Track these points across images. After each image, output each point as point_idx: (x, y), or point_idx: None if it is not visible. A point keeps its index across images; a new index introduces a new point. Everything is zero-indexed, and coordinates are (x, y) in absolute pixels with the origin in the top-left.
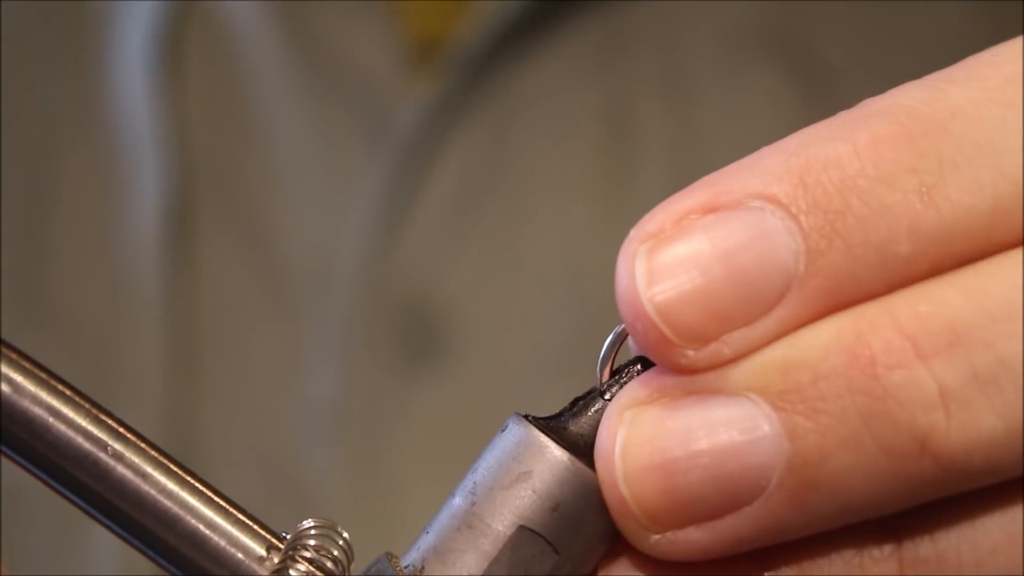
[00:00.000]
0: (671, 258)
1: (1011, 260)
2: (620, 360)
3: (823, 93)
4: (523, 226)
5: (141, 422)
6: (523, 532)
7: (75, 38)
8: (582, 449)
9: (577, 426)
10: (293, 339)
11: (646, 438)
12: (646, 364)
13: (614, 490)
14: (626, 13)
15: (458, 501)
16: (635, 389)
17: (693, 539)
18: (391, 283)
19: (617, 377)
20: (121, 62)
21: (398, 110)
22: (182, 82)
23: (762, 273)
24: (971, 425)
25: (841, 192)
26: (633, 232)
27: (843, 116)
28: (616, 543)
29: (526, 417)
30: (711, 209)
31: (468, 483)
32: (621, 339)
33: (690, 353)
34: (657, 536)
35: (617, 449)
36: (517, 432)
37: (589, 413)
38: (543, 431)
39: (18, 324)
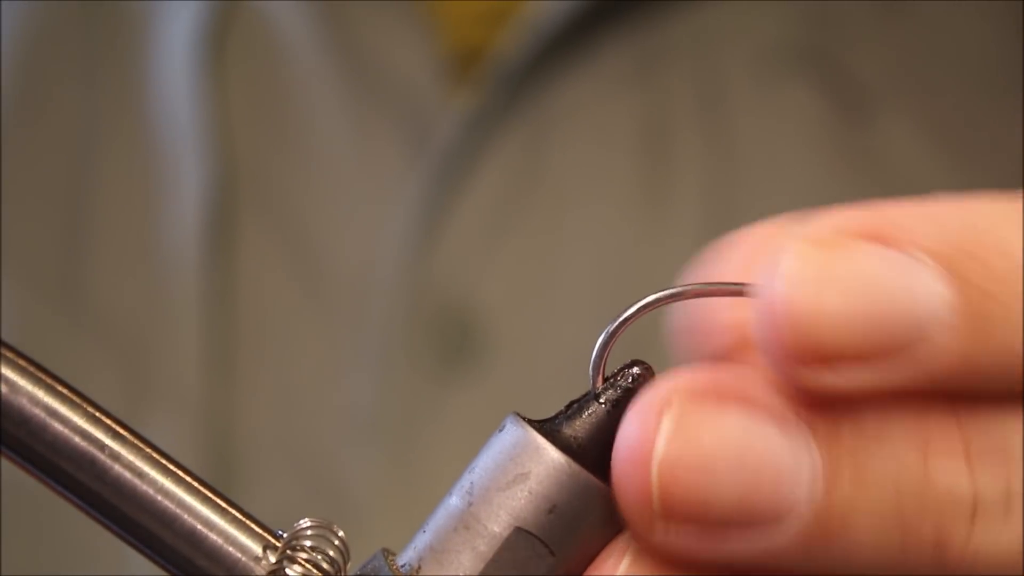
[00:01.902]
0: (818, 268)
1: None
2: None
3: (857, 110)
4: (559, 236)
5: (177, 421)
6: (519, 534)
7: (118, 37)
8: (575, 451)
9: (571, 429)
10: (331, 342)
11: (694, 433)
12: (642, 366)
13: (642, 470)
14: (664, 29)
15: (455, 501)
16: (691, 378)
17: (690, 541)
18: (429, 289)
19: (612, 380)
20: (164, 62)
21: (438, 119)
22: (225, 84)
23: (898, 320)
24: (987, 539)
25: (1005, 280)
26: (792, 230)
27: None
28: (610, 545)
29: (523, 419)
30: (877, 238)
31: (465, 483)
32: (612, 342)
33: (798, 367)
34: (661, 526)
35: (662, 432)
36: (514, 433)
37: (583, 416)
38: (540, 433)
39: (57, 322)
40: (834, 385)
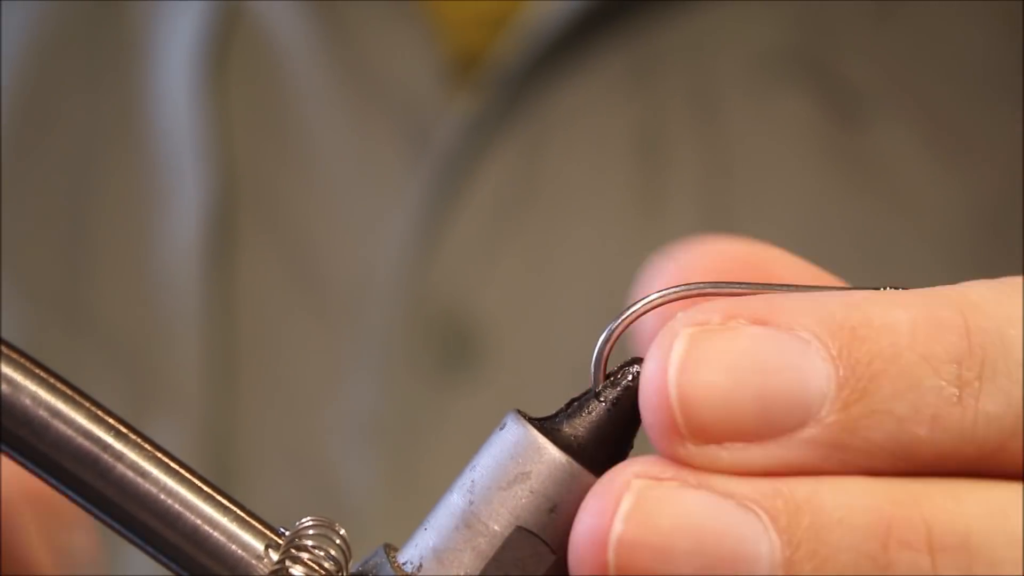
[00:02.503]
0: (708, 351)
1: None
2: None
3: (851, 116)
4: (558, 240)
5: (179, 430)
6: (520, 533)
7: (119, 48)
8: (575, 450)
9: (571, 427)
10: (331, 349)
11: (653, 515)
12: (643, 364)
13: (599, 551)
14: (659, 36)
15: (456, 499)
16: (651, 465)
17: None
18: (428, 294)
19: (612, 378)
20: (165, 72)
21: (437, 125)
22: (225, 93)
23: (787, 399)
24: None
25: (885, 357)
26: (681, 315)
27: (919, 291)
28: None
29: (524, 416)
30: (762, 321)
31: (466, 481)
32: (614, 339)
33: (689, 446)
34: None
35: (620, 513)
36: (516, 432)
37: (583, 414)
38: (540, 431)
39: (58, 331)
40: (726, 462)
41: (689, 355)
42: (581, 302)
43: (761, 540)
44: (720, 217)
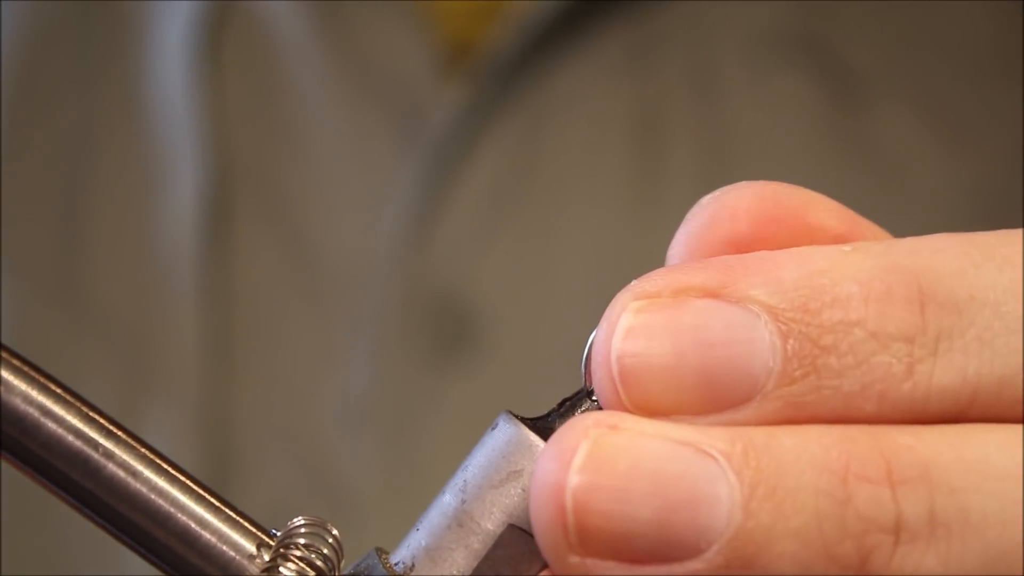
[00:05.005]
0: (653, 325)
1: (1002, 428)
2: None
3: (850, 97)
4: (554, 225)
5: (175, 413)
6: (513, 531)
7: (114, 35)
8: None
9: None
10: (327, 333)
11: (609, 461)
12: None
13: (557, 499)
14: (656, 17)
15: (448, 499)
16: (608, 415)
17: (608, 574)
18: (424, 279)
19: None
20: (160, 58)
21: (432, 111)
22: (220, 79)
23: (730, 375)
24: (912, 560)
25: (835, 332)
26: (633, 283)
27: (875, 253)
28: None
29: (516, 416)
30: (713, 295)
31: (459, 480)
32: None
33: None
34: (576, 559)
35: (577, 461)
36: (507, 431)
37: (576, 413)
38: (533, 430)
39: (55, 316)
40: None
41: (632, 329)
42: (577, 287)
43: (720, 482)
44: None
